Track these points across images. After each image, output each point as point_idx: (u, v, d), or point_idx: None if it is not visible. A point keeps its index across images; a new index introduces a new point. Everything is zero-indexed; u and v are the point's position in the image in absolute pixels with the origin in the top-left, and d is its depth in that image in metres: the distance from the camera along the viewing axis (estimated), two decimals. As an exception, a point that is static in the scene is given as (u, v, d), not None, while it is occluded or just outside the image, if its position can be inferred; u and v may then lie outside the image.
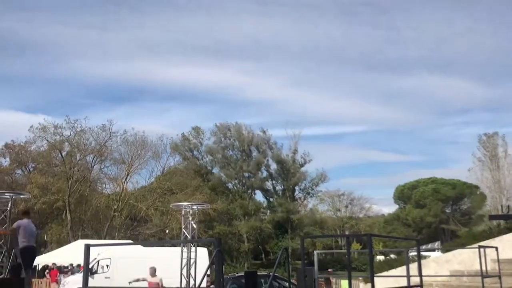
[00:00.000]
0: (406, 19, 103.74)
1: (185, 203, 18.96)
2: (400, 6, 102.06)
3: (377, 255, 49.16)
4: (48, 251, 38.35)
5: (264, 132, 63.41)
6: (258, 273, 19.34)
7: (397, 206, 78.12)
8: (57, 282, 27.09)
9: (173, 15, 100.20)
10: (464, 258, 19.73)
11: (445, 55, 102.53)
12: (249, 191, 62.74)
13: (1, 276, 12.50)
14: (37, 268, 32.66)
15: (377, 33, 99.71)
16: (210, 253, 23.70)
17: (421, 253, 10.98)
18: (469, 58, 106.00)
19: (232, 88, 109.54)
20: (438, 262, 21.17)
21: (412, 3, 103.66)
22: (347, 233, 62.91)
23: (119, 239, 41.00)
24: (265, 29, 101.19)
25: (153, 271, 17.46)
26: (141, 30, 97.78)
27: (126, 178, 48.66)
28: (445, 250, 30.55)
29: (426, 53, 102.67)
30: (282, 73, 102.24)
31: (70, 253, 31.56)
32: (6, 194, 14.07)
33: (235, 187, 62.45)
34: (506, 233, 21.27)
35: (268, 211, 63.54)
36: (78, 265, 29.01)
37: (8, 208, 13.35)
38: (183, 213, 18.17)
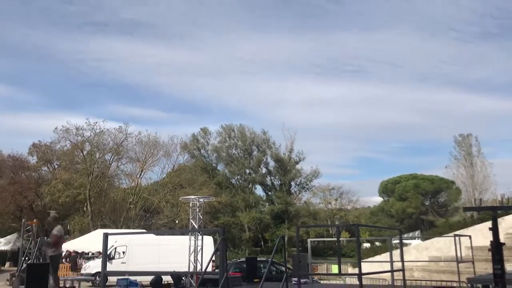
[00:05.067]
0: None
1: (193, 197, 18.99)
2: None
3: (364, 242, 49.17)
4: (71, 239, 38.36)
5: (264, 133, 63.45)
6: (257, 258, 19.37)
7: (381, 199, 78.10)
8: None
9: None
10: (441, 246, 19.78)
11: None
12: (250, 185, 62.56)
13: (29, 262, 12.49)
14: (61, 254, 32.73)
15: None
16: (215, 241, 23.72)
17: (403, 241, 11.00)
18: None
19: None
20: (418, 249, 21.22)
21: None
22: (337, 223, 62.82)
23: (134, 228, 40.93)
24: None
25: None
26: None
27: (140, 174, 48.80)
28: (424, 238, 30.54)
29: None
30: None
31: (90, 241, 31.62)
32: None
33: (237, 182, 62.28)
34: (478, 223, 21.28)
35: (267, 203, 63.38)
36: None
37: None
38: (191, 205, 18.17)
